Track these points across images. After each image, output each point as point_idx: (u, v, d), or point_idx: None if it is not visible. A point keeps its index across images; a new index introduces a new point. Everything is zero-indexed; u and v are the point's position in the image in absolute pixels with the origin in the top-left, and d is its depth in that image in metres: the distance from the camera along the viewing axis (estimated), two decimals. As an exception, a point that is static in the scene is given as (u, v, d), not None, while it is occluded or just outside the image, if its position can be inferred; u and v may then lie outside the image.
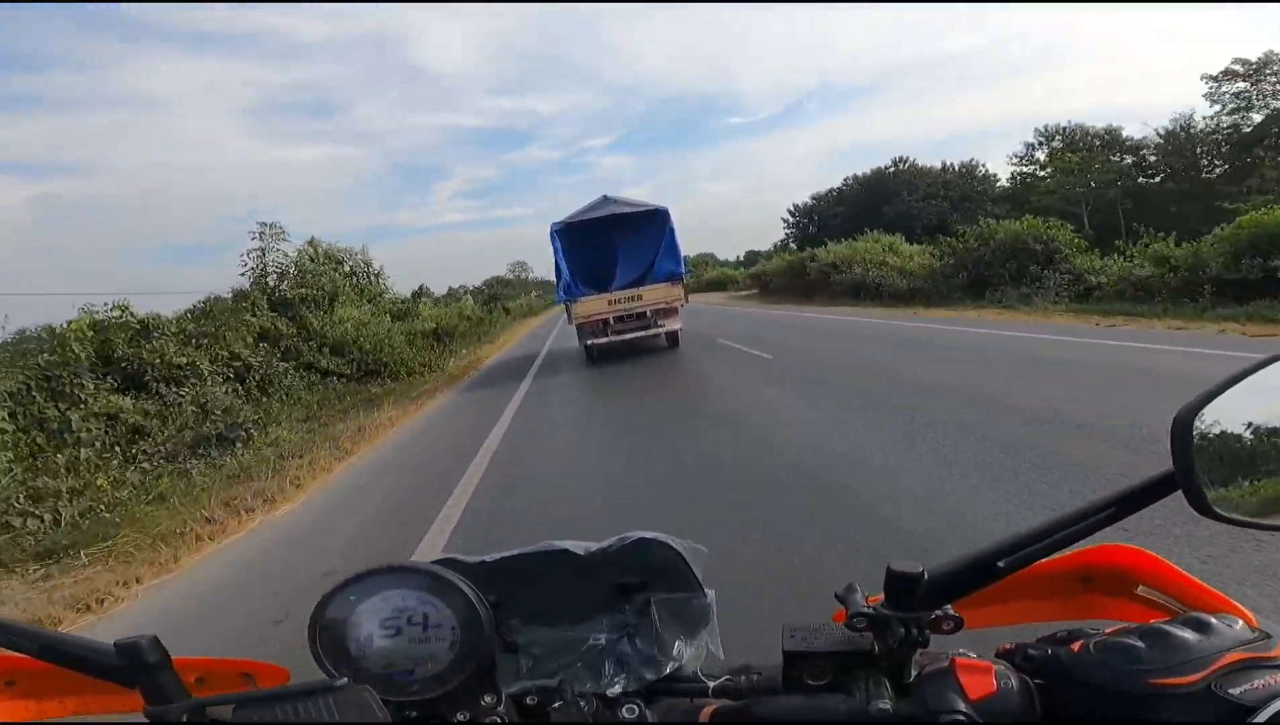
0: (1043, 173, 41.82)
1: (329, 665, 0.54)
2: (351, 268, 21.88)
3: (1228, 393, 0.50)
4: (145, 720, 0.50)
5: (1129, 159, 39.09)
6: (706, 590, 0.63)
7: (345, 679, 0.50)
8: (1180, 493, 0.48)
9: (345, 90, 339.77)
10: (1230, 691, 0.42)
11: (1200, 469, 0.48)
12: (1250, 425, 0.50)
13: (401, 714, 0.53)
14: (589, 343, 12.19)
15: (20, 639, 0.52)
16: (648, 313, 12.30)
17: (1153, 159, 38.24)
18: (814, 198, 64.09)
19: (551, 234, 11.80)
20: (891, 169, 56.21)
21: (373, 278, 22.54)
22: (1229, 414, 0.49)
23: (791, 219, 65.78)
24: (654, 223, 12.45)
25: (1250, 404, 0.50)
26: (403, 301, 24.13)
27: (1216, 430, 0.49)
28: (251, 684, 0.67)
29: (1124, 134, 40.30)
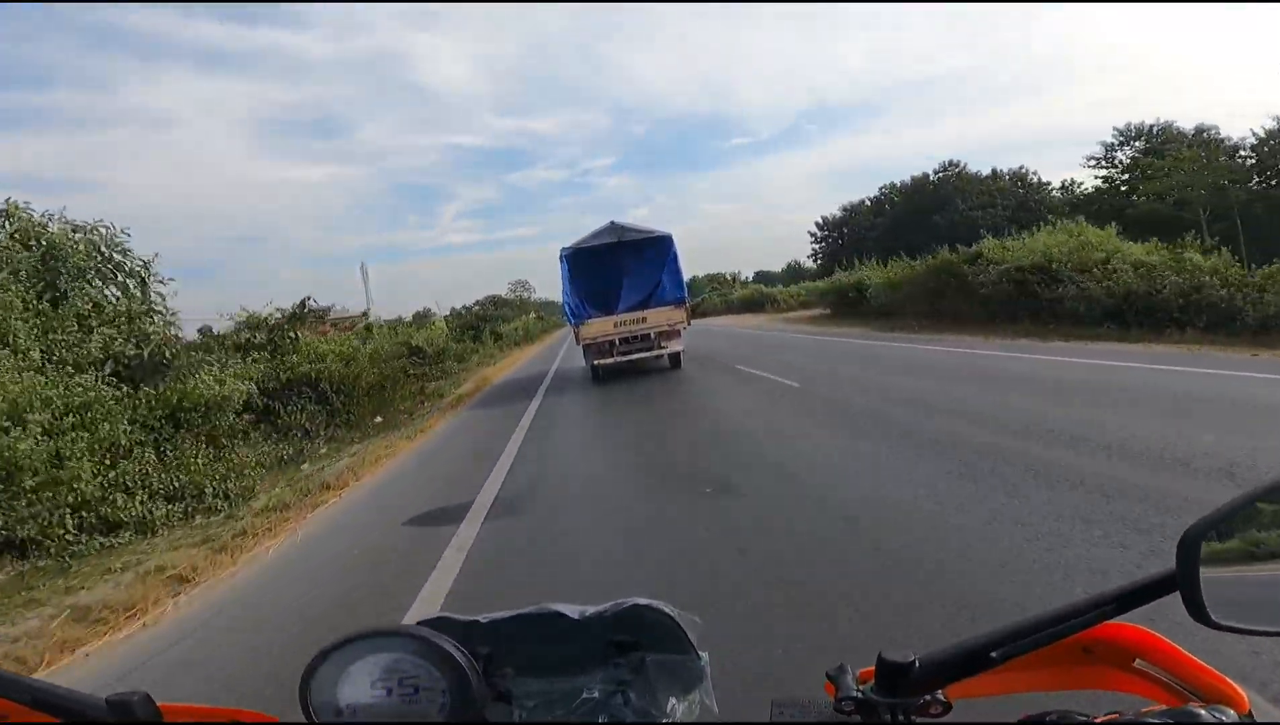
0: (1125, 176, 38.89)
1: (318, 720, 0.55)
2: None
3: (1237, 511, 0.51)
4: None
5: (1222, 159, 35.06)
6: (700, 653, 0.64)
7: None
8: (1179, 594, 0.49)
9: (349, 110, 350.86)
10: None
11: (1203, 585, 0.49)
12: (1259, 547, 0.51)
13: None
14: (595, 363, 12.87)
15: (12, 690, 0.53)
16: (652, 335, 12.87)
17: (1251, 161, 34.43)
18: (844, 209, 63.00)
19: (561, 258, 12.51)
20: (937, 176, 55.03)
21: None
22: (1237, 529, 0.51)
23: (820, 233, 64.86)
24: (658, 248, 12.99)
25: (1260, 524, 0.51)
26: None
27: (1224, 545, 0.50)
28: None
29: (1219, 133, 36.21)
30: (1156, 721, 0.48)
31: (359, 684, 0.56)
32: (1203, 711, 0.48)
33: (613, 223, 12.93)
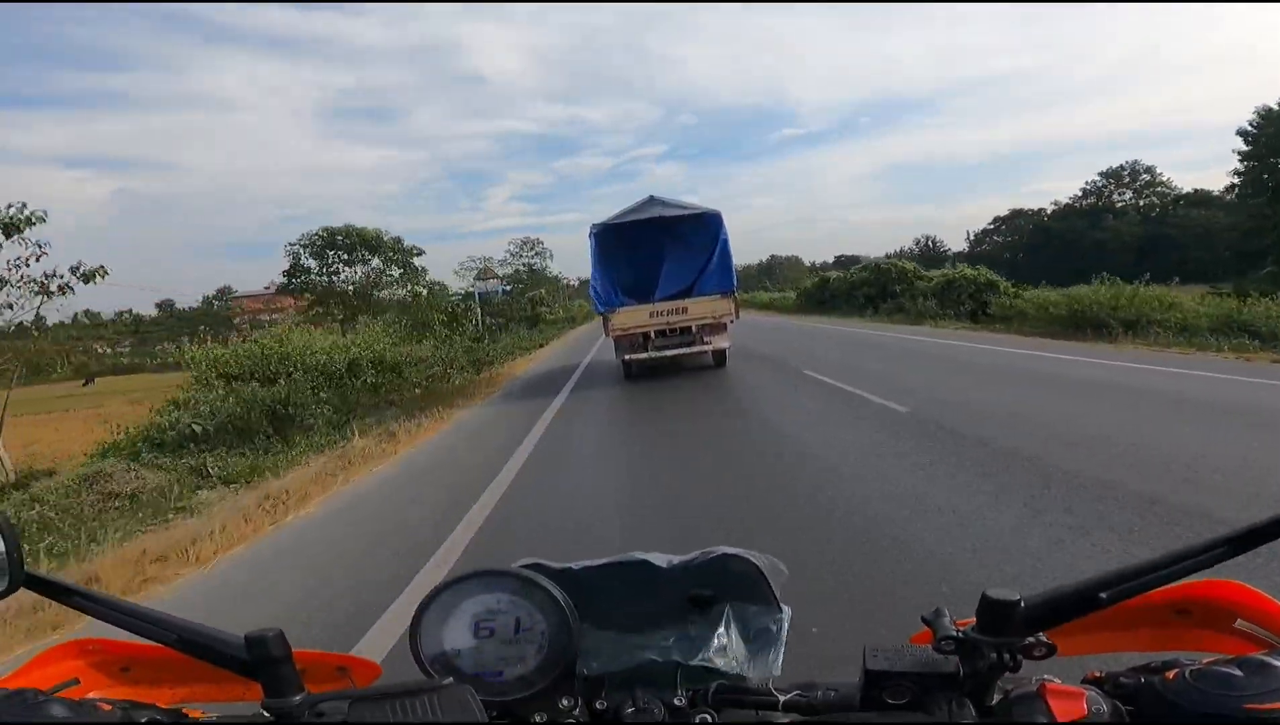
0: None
1: (426, 664, 0.57)
2: None
3: None
4: (262, 711, 0.52)
5: None
6: (782, 606, 0.63)
7: (450, 679, 0.53)
8: None
9: (403, 95, 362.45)
10: None
11: None
12: None
13: (487, 714, 0.52)
14: (627, 358, 11.23)
15: (158, 628, 0.55)
16: (693, 328, 11.11)
17: None
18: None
19: (590, 236, 11.05)
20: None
21: None
22: None
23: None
24: (705, 228, 11.25)
25: None
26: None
27: None
28: (348, 677, 0.69)
29: None
30: (1265, 658, 0.45)
31: (463, 626, 0.57)
32: None
33: (652, 197, 11.35)
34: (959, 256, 66.87)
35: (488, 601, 0.58)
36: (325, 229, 29.23)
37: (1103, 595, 0.48)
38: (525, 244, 51.35)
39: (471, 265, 43.44)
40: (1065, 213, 57.86)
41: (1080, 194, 58.06)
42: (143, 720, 0.53)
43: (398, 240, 30.52)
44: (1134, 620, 0.61)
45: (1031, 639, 0.49)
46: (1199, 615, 0.60)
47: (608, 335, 11.25)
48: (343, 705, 0.51)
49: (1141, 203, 55.51)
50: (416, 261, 31.13)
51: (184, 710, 0.57)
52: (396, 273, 30.50)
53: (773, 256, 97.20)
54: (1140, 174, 56.04)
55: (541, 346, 26.42)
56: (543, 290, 45.01)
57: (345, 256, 29.23)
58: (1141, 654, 0.57)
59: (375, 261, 29.80)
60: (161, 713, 0.55)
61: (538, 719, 0.56)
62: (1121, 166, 56.95)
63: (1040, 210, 62.51)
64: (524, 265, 50.09)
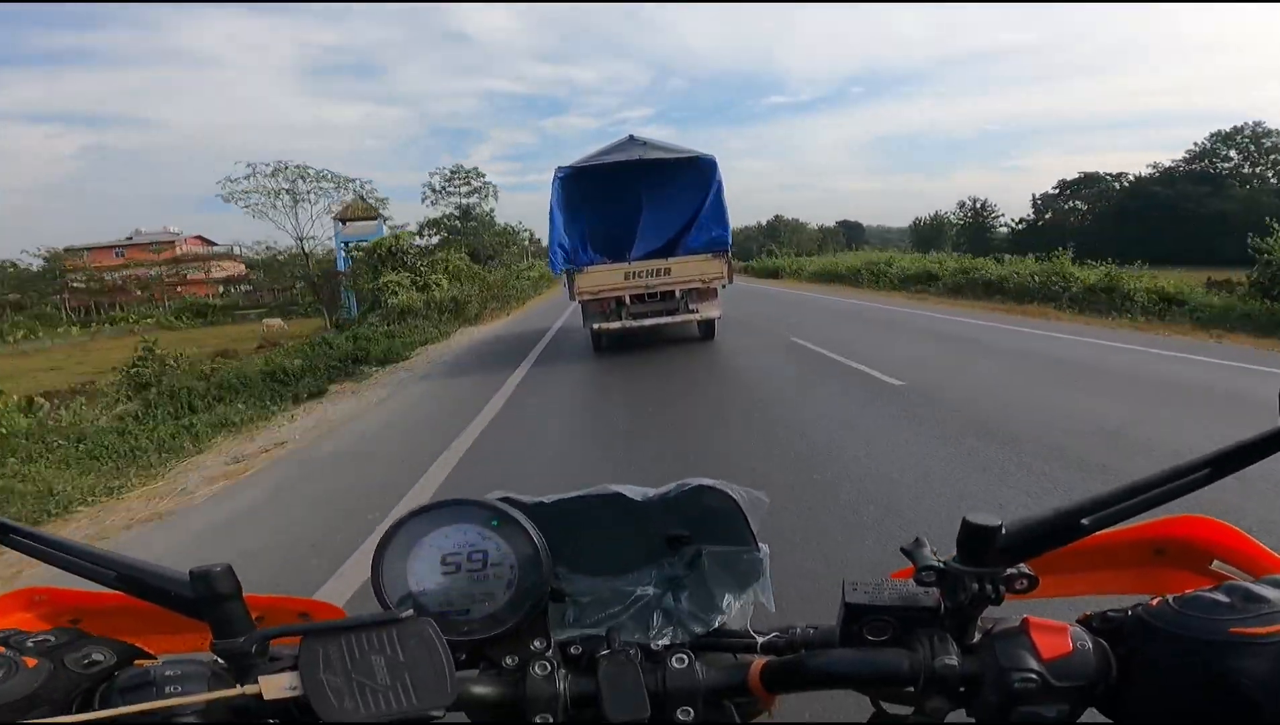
0: None
1: (388, 601, 0.54)
2: None
3: None
4: (212, 654, 0.50)
5: None
6: (761, 545, 0.59)
7: (409, 612, 0.50)
8: None
9: (387, 52, 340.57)
10: None
11: None
12: None
13: (454, 654, 0.50)
14: (596, 327, 9.59)
15: (98, 566, 0.52)
16: (677, 293, 9.39)
17: None
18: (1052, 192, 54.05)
19: (554, 180, 9.32)
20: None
21: None
22: None
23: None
24: (695, 174, 9.38)
25: None
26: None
27: None
28: (309, 622, 0.65)
29: None
30: (1249, 584, 0.45)
31: (429, 560, 0.53)
32: (1270, 587, 0.44)
33: (632, 137, 9.59)
34: (1020, 225, 60.21)
35: (454, 535, 0.53)
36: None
37: (1084, 522, 0.47)
38: (456, 175, 35.00)
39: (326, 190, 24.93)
40: (1165, 178, 51.49)
41: (1186, 157, 51.83)
42: (83, 672, 0.49)
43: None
44: (1109, 560, 0.61)
45: (1014, 570, 0.48)
46: (1174, 554, 0.60)
47: (572, 298, 9.60)
48: (294, 642, 0.48)
49: (1259, 170, 49.11)
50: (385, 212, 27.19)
51: (135, 662, 0.52)
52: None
53: (778, 216, 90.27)
54: (1263, 136, 49.40)
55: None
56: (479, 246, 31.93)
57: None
58: (1118, 596, 0.56)
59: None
60: (100, 646, 0.51)
61: (508, 661, 0.53)
62: (1236, 128, 50.48)
63: (1120, 174, 55.89)
64: (455, 206, 35.54)
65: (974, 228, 66.58)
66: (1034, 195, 60.31)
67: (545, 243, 12.74)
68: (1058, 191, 59.49)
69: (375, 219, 26.47)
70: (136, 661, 0.52)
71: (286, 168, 25.29)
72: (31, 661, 0.47)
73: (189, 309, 47.61)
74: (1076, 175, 58.86)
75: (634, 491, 0.58)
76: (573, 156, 9.64)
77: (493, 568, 0.53)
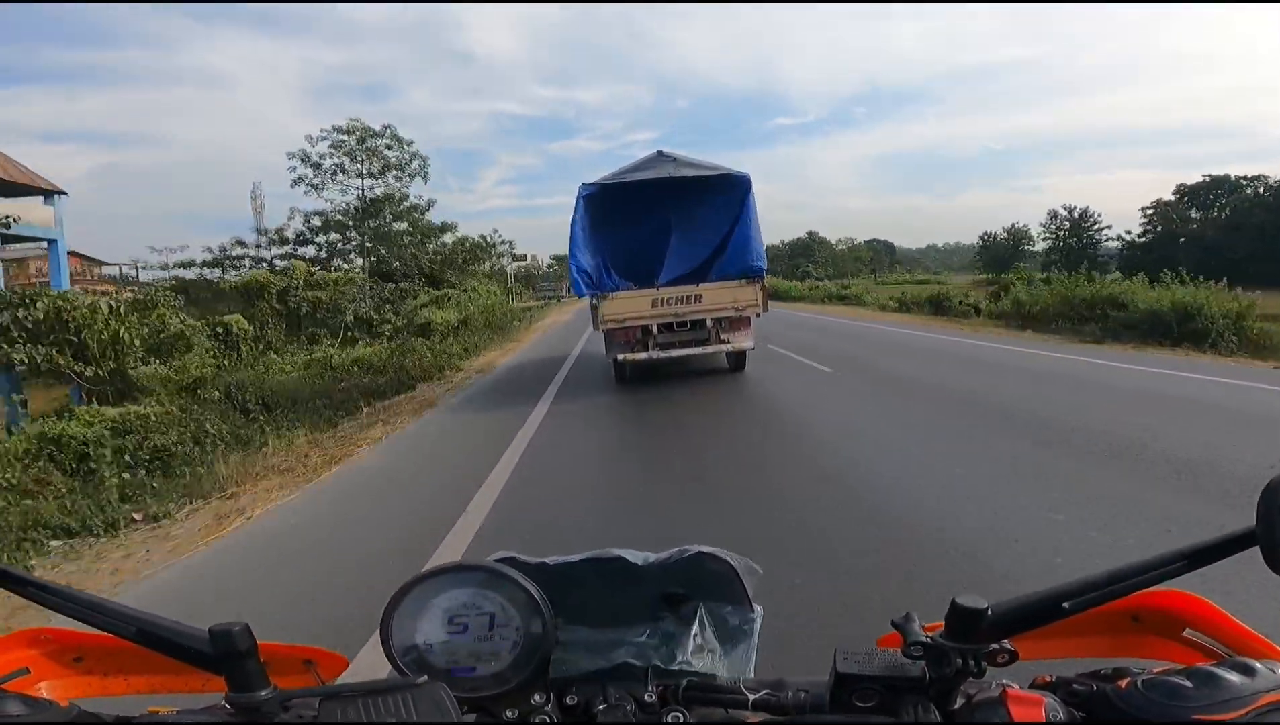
0: None
1: (398, 659, 0.55)
2: None
3: None
4: (225, 705, 0.51)
5: None
6: (755, 606, 0.63)
7: (424, 677, 0.51)
8: (1257, 550, 0.48)
9: (396, 74, 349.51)
10: None
11: None
12: None
13: (459, 710, 0.52)
14: (620, 357, 8.86)
15: (116, 621, 0.53)
16: (708, 322, 8.67)
17: None
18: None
19: (578, 198, 8.63)
20: None
21: None
22: None
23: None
24: (728, 193, 8.72)
25: None
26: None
27: None
28: (313, 671, 0.68)
29: None
30: (1213, 669, 0.47)
31: (436, 620, 0.56)
32: (1258, 664, 0.47)
33: (661, 153, 8.89)
34: (1145, 235, 52.15)
35: (461, 596, 0.56)
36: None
37: (1065, 605, 0.50)
38: (353, 134, 23.84)
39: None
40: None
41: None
42: (109, 719, 0.50)
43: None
44: (1088, 627, 0.63)
45: (995, 646, 0.50)
46: (1150, 623, 0.62)
47: (597, 328, 8.84)
48: (312, 702, 0.50)
49: None
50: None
51: (148, 709, 0.55)
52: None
53: (810, 233, 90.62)
54: None
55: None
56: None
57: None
58: (1094, 659, 0.59)
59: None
60: (117, 707, 0.53)
61: (509, 714, 0.55)
62: None
63: (1259, 176, 48.50)
64: (356, 195, 23.96)
65: (1071, 243, 59.02)
66: (1142, 209, 53.27)
67: (546, 263, 11.88)
68: (1175, 199, 52.66)
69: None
70: (150, 708, 0.54)
71: None
72: (63, 703, 0.49)
73: None
74: (1202, 178, 51.54)
75: (635, 556, 0.61)
76: (578, 181, 8.90)
77: (499, 629, 0.55)
